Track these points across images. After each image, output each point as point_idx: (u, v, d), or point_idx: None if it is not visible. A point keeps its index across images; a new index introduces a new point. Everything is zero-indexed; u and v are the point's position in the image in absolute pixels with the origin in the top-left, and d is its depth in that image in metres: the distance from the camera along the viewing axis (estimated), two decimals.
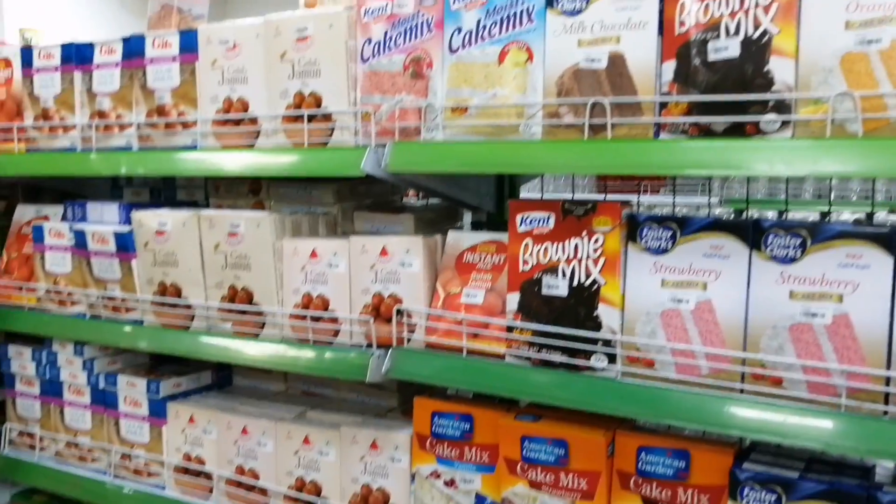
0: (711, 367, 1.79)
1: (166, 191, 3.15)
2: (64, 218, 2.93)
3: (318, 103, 2.25)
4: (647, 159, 1.79)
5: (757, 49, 1.70)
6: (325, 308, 2.28)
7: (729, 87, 1.72)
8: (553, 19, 1.91)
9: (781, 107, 1.68)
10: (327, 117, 2.24)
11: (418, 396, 2.22)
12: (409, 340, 2.16)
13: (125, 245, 2.63)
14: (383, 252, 2.20)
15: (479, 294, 2.11)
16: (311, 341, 2.29)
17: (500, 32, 1.99)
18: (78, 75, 2.74)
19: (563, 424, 2.02)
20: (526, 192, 3.02)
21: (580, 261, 1.94)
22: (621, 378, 1.88)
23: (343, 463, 2.32)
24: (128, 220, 2.69)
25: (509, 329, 2.02)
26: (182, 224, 2.50)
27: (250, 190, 2.74)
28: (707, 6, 1.74)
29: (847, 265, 1.68)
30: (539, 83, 1.94)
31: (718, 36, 1.73)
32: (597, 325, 1.91)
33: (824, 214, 5.14)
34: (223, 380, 2.91)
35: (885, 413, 1.63)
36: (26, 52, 2.85)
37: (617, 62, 1.85)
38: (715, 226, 1.84)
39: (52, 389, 2.95)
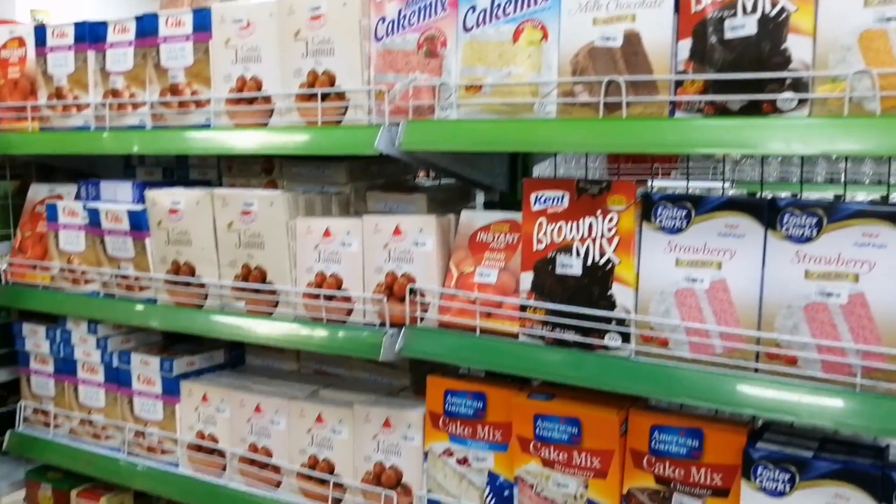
0: (726, 346, 1.79)
1: (179, 170, 3.15)
2: (77, 197, 2.94)
3: (332, 82, 2.25)
4: (662, 138, 1.78)
5: (774, 27, 1.68)
6: (339, 287, 2.29)
7: (745, 65, 1.71)
8: None
9: (798, 85, 1.67)
10: (341, 96, 2.24)
11: (431, 375, 2.23)
12: (422, 319, 2.16)
13: (139, 224, 2.64)
14: (396, 231, 2.21)
15: (492, 273, 2.11)
16: (325, 320, 2.30)
17: (515, 11, 1.98)
18: (91, 54, 2.74)
19: (577, 403, 2.02)
20: (538, 173, 3.01)
21: (594, 240, 1.94)
22: (635, 357, 1.88)
23: (356, 441, 2.34)
24: (141, 199, 2.69)
25: (523, 308, 2.02)
26: (195, 203, 2.51)
27: (263, 169, 2.74)
28: None
29: (863, 244, 1.67)
30: (554, 62, 1.93)
31: (735, 14, 1.72)
32: (611, 305, 1.91)
33: (838, 197, 5.11)
34: (236, 359, 2.93)
35: None
36: (40, 31, 2.85)
37: (632, 40, 1.84)
38: (730, 205, 1.83)
39: (66, 367, 2.97)
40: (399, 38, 2.15)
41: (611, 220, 1.92)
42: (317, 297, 2.31)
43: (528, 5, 1.97)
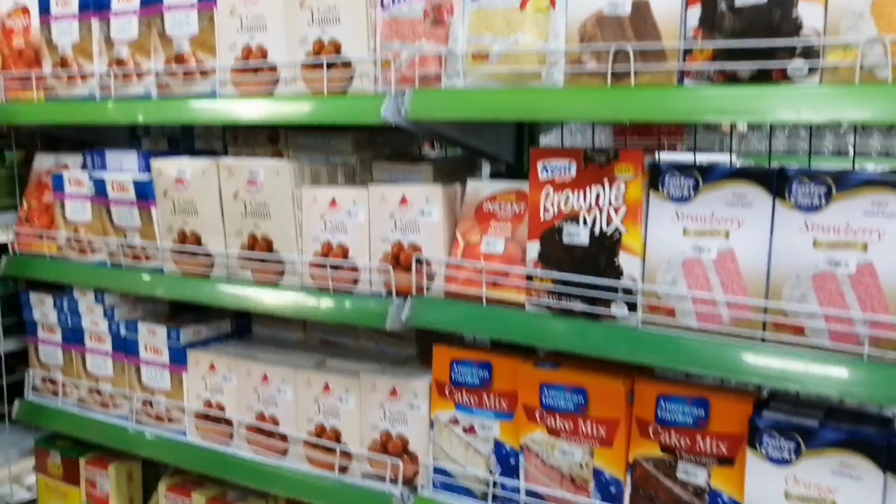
0: (733, 315, 1.79)
1: (184, 140, 3.15)
2: (83, 167, 2.94)
3: (338, 50, 2.23)
4: (671, 106, 1.77)
5: None
6: (345, 256, 2.29)
7: (755, 32, 1.69)
8: None
9: (809, 53, 1.65)
10: (347, 65, 2.22)
11: (437, 344, 2.24)
12: (428, 289, 2.16)
13: (145, 193, 2.64)
14: (403, 201, 2.20)
15: (498, 243, 2.11)
16: (331, 289, 2.30)
17: None
18: (96, 23, 2.72)
19: (583, 372, 2.03)
20: (545, 145, 3.00)
21: (601, 209, 1.93)
22: (641, 326, 1.88)
23: (362, 410, 2.35)
24: (147, 169, 2.69)
25: (529, 278, 2.02)
26: (201, 172, 2.50)
27: (268, 140, 2.73)
28: None
29: (872, 213, 1.66)
30: (561, 29, 1.91)
31: None
32: (617, 274, 1.91)
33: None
34: (242, 328, 2.94)
35: None
36: (44, 0, 2.83)
37: (641, 8, 1.82)
38: (738, 174, 1.82)
39: (73, 337, 2.98)
40: (405, 6, 2.13)
41: (618, 189, 1.91)
42: (323, 266, 2.31)
43: None
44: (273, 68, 2.36)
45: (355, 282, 2.28)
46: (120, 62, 2.68)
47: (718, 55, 1.74)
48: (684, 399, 1.90)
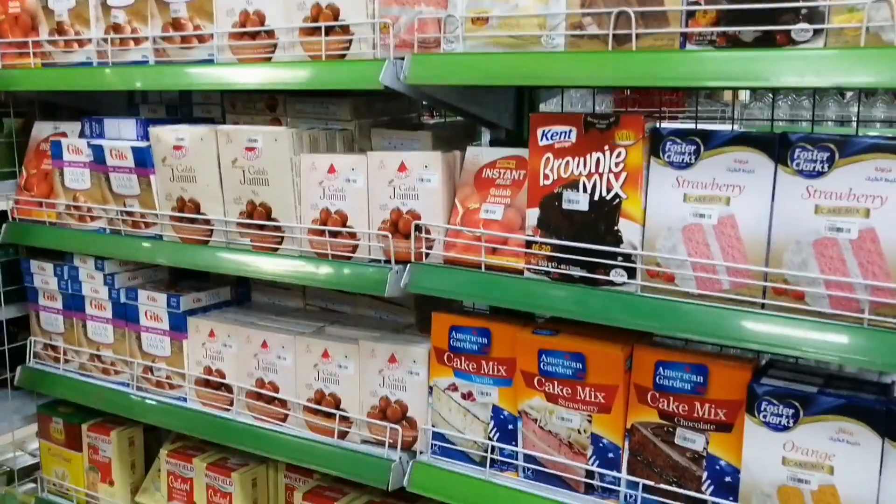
0: (733, 282, 1.78)
1: (183, 108, 3.12)
2: (82, 134, 2.93)
3: (336, 15, 2.21)
4: (673, 71, 1.75)
5: None
6: (343, 224, 2.28)
7: None
8: None
9: (814, 15, 1.62)
10: (345, 29, 2.20)
11: (436, 311, 2.23)
12: (427, 256, 2.16)
13: (143, 160, 2.63)
14: (402, 167, 2.19)
15: (498, 210, 2.10)
16: (329, 256, 2.29)
17: None
18: None
19: (581, 339, 2.02)
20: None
21: (601, 175, 1.92)
22: (641, 293, 1.87)
23: (362, 376, 2.35)
24: (145, 136, 2.67)
25: (528, 244, 2.01)
26: (200, 139, 2.49)
27: (267, 107, 2.72)
28: None
29: (876, 178, 1.65)
30: None
31: None
32: (617, 240, 1.90)
33: None
34: (242, 296, 2.94)
35: None
36: None
37: None
38: (740, 140, 1.80)
39: (74, 304, 2.98)
40: None
41: (618, 155, 1.90)
42: (321, 233, 2.30)
43: None
44: (271, 34, 2.33)
45: (354, 249, 2.27)
46: (117, 27, 2.65)
47: (721, 18, 1.71)
48: (683, 366, 1.90)
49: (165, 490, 2.90)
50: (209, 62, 2.46)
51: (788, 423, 1.77)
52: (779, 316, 1.71)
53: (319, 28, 2.22)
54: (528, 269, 2.01)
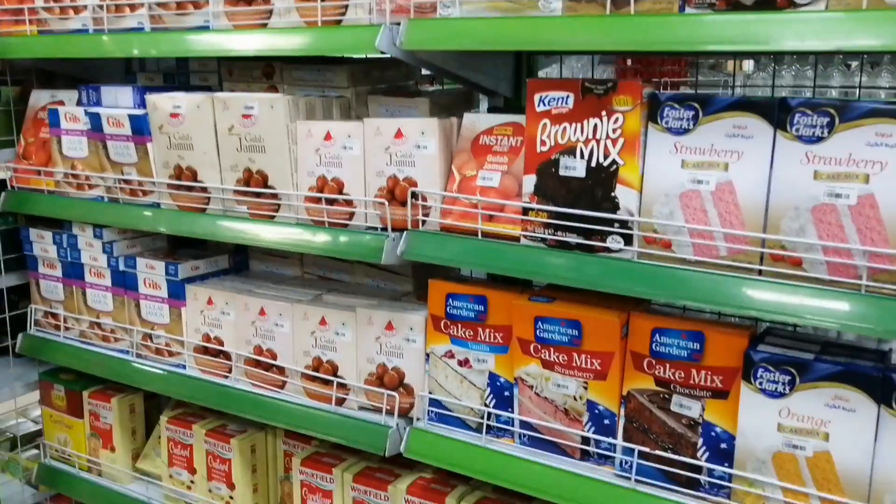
0: (730, 248, 1.77)
1: (179, 76, 3.11)
2: (79, 102, 2.91)
3: None
4: (671, 34, 1.72)
5: None
6: (340, 191, 2.27)
7: None
8: None
9: None
10: None
11: (433, 279, 2.23)
12: (423, 223, 2.15)
13: (140, 128, 2.61)
14: (398, 134, 2.17)
15: (494, 177, 2.08)
16: (326, 224, 2.28)
17: None
18: None
19: (578, 306, 2.02)
20: None
21: (599, 141, 1.90)
22: (637, 259, 1.86)
23: (359, 343, 2.35)
24: (142, 104, 2.66)
25: (525, 211, 2.00)
26: (196, 106, 2.47)
27: (263, 74, 2.69)
28: None
29: (876, 144, 1.63)
30: None
31: None
32: (614, 207, 1.88)
33: None
34: (240, 264, 2.93)
35: None
36: None
37: None
38: (739, 105, 1.78)
39: (73, 272, 2.98)
40: None
41: (616, 121, 1.88)
42: (318, 200, 2.29)
43: None
44: None
45: (350, 216, 2.26)
46: None
47: None
48: (679, 332, 1.89)
49: (166, 456, 2.92)
50: (205, 28, 2.44)
51: (784, 389, 1.77)
52: (776, 282, 1.70)
53: None
54: (525, 237, 2.00)
